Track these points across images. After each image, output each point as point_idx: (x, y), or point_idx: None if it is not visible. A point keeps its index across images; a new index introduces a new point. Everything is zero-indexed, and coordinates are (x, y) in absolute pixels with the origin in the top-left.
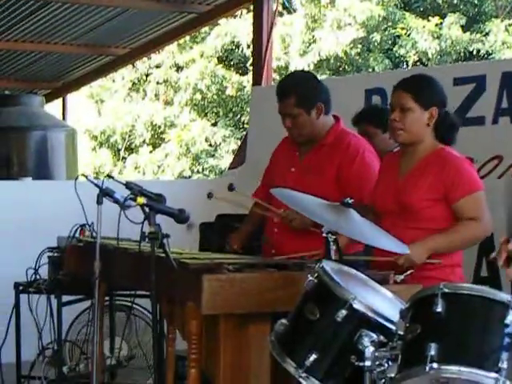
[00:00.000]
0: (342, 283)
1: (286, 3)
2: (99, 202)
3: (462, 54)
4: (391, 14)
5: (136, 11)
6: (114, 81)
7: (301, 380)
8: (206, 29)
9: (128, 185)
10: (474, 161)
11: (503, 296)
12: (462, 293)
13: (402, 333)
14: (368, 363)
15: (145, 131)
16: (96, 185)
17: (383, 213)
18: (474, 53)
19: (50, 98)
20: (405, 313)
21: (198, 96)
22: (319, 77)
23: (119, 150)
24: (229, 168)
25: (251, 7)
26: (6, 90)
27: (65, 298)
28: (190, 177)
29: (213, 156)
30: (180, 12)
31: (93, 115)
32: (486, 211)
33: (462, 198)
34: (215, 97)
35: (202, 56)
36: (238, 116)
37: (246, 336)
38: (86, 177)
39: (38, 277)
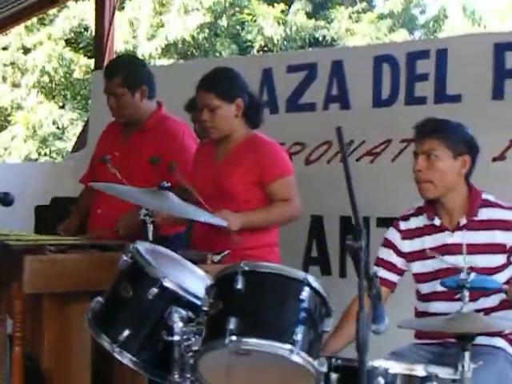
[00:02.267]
0: (153, 263)
1: None
2: None
3: (307, 41)
4: (237, 0)
5: None
6: None
7: (115, 355)
8: (54, 11)
9: None
10: (305, 145)
11: (299, 273)
12: (260, 271)
13: (206, 309)
14: (177, 338)
15: None
16: None
17: (202, 196)
18: (320, 39)
19: None
20: (209, 290)
21: (46, 78)
22: (167, 61)
23: None
24: (71, 151)
25: None
26: None
27: None
28: (36, 159)
29: (60, 139)
30: None
31: None
32: (296, 193)
33: (275, 181)
34: (63, 80)
35: (49, 38)
36: (86, 99)
37: (69, 315)
38: None
39: None
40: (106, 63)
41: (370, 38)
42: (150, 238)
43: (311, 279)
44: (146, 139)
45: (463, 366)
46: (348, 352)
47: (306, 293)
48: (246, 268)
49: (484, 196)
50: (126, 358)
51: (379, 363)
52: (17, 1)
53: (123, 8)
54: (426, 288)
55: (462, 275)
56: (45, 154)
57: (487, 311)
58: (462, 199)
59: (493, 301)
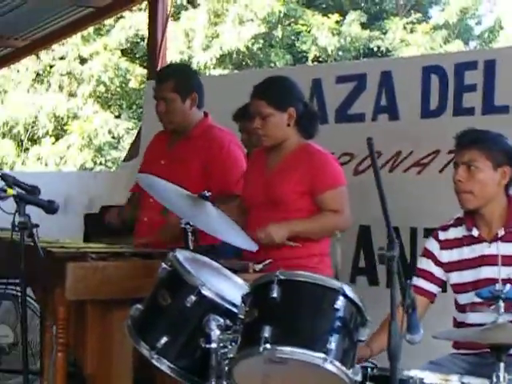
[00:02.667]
0: (192, 271)
1: None
2: None
3: (361, 51)
4: (292, 10)
5: (34, 4)
6: (18, 71)
7: (153, 361)
8: (110, 21)
9: (3, 176)
10: (354, 156)
11: (334, 283)
12: (296, 279)
13: (242, 317)
14: (214, 345)
15: (48, 122)
16: None
17: (252, 206)
18: (375, 50)
19: None
20: (245, 298)
21: (102, 88)
22: (221, 71)
23: (22, 141)
24: (123, 160)
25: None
26: None
27: None
28: (92, 168)
29: (116, 148)
30: (78, 6)
31: None
32: (346, 205)
33: (326, 191)
34: (119, 89)
35: (105, 48)
36: (142, 109)
37: (111, 321)
38: None
39: None
40: None
41: (424, 49)
42: (191, 247)
43: (347, 289)
44: (191, 148)
45: (498, 377)
46: (384, 361)
47: (340, 302)
48: (282, 277)
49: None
50: (164, 365)
51: (415, 373)
52: (73, 11)
53: (179, 18)
54: (464, 299)
55: (498, 286)
56: (100, 163)
57: None
58: (500, 210)
59: None
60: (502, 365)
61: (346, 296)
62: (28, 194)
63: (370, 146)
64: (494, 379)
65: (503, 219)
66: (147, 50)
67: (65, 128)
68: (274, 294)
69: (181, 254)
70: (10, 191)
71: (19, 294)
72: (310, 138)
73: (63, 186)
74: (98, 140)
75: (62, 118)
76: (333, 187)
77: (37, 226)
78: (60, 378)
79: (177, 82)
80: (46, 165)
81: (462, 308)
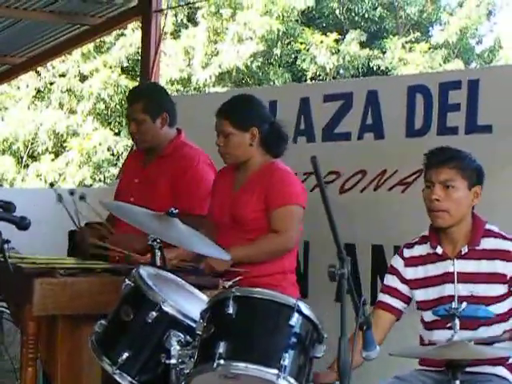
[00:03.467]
0: (154, 287)
1: None
2: None
3: (360, 70)
4: (291, 28)
5: (30, 22)
6: (18, 88)
7: (115, 377)
8: (111, 39)
9: None
10: (340, 174)
11: (289, 299)
12: (251, 296)
13: (200, 332)
14: (173, 361)
15: (47, 139)
16: None
17: (219, 224)
18: (375, 68)
19: None
20: (203, 314)
21: (101, 105)
22: (221, 89)
23: (22, 158)
24: (116, 178)
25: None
26: None
27: None
28: (91, 185)
29: (115, 165)
30: (73, 24)
31: None
32: (292, 225)
33: (275, 209)
34: (118, 106)
35: (105, 66)
36: None
37: (80, 336)
38: None
39: None
40: None
41: (423, 68)
42: (158, 263)
43: (302, 306)
44: (162, 167)
45: None
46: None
47: (295, 319)
48: (238, 293)
49: (488, 226)
50: (125, 380)
51: None
52: (69, 28)
53: (179, 36)
54: (428, 316)
55: (454, 304)
56: (99, 180)
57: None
58: (466, 229)
59: (493, 331)
60: (457, 382)
61: (300, 313)
62: (3, 211)
63: (315, 164)
64: None
65: (468, 237)
66: (140, 68)
67: (64, 145)
68: (230, 311)
69: (144, 271)
70: None
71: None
72: (276, 157)
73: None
74: (97, 157)
75: (62, 135)
76: (282, 205)
77: (8, 241)
78: None
79: (146, 102)
80: (45, 181)
81: (427, 325)
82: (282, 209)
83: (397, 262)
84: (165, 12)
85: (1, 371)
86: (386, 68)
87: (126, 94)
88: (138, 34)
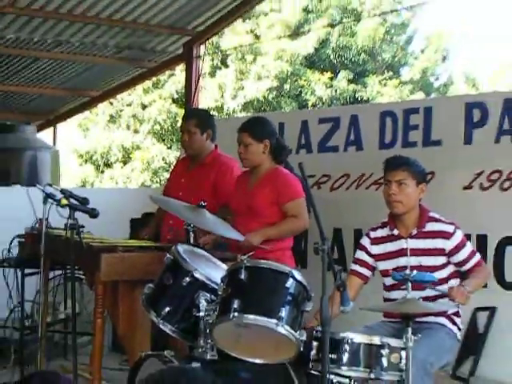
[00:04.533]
0: (188, 259)
1: None
2: (44, 202)
3: (347, 100)
4: (297, 69)
5: (104, 65)
6: (97, 114)
7: (159, 325)
8: (164, 77)
9: (62, 191)
10: (330, 177)
11: (286, 268)
12: (258, 266)
13: (220, 293)
14: (202, 314)
15: (118, 152)
16: (42, 190)
17: (236, 213)
18: (359, 99)
19: (43, 127)
20: (223, 279)
21: (158, 127)
22: (245, 114)
23: (99, 166)
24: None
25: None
26: (9, 121)
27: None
28: (149, 186)
29: (167, 171)
30: (135, 67)
31: (81, 139)
32: (304, 212)
33: (288, 201)
34: (170, 128)
35: (160, 98)
36: None
37: (136, 296)
38: (35, 185)
39: (10, 255)
40: None
41: (394, 99)
42: (191, 242)
43: (295, 273)
44: (204, 171)
45: (407, 338)
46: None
47: (290, 282)
48: (248, 264)
49: (431, 214)
50: (167, 328)
51: (347, 334)
52: (131, 70)
53: (214, 76)
54: (388, 281)
55: (407, 271)
56: (156, 182)
57: (432, 298)
58: (415, 216)
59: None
60: (409, 329)
61: (294, 278)
62: (79, 204)
63: (301, 169)
64: (404, 339)
65: (416, 222)
66: (184, 100)
67: (130, 156)
68: (242, 276)
69: (181, 247)
70: (64, 201)
71: (82, 276)
72: (280, 164)
73: (127, 199)
74: (154, 165)
75: (129, 149)
76: (292, 200)
77: (82, 226)
78: (98, 337)
79: (198, 119)
80: (117, 183)
81: (387, 288)
82: (293, 201)
83: (365, 241)
84: (203, 57)
85: (81, 322)
86: (368, 98)
87: (176, 118)
88: (184, 73)
